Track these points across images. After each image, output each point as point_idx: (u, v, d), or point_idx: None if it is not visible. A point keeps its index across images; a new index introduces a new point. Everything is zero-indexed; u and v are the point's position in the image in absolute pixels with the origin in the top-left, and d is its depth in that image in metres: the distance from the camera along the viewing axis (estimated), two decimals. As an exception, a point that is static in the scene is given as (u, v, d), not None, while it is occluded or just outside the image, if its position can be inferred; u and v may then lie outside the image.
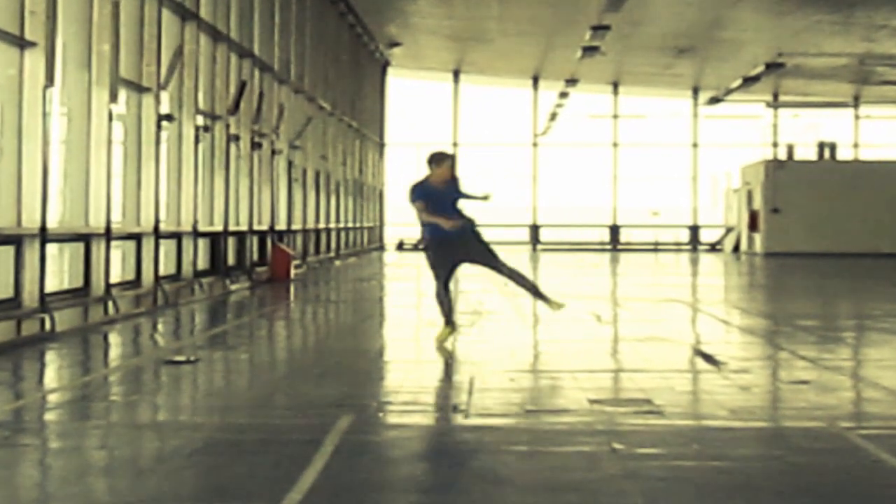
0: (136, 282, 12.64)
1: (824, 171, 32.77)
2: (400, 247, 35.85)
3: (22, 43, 9.54)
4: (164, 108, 13.32)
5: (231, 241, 16.67)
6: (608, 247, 37.49)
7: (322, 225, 24.60)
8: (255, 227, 17.92)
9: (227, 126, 16.19)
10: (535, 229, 37.96)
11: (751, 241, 33.16)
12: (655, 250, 36.72)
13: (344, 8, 27.29)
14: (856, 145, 38.47)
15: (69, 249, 11.11)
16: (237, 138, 16.71)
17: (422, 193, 9.03)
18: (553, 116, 35.89)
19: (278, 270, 18.13)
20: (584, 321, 11.25)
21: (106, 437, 5.57)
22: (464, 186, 9.29)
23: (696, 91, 38.12)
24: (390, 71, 37.60)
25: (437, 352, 8.72)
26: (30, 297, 9.57)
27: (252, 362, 8.73)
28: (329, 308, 14.58)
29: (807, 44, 27.80)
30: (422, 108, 38.71)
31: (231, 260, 16.69)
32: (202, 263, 15.23)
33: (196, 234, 14.59)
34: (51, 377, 7.84)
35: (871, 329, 11.70)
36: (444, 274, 9.13)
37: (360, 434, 5.48)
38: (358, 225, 30.76)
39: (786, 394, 7.08)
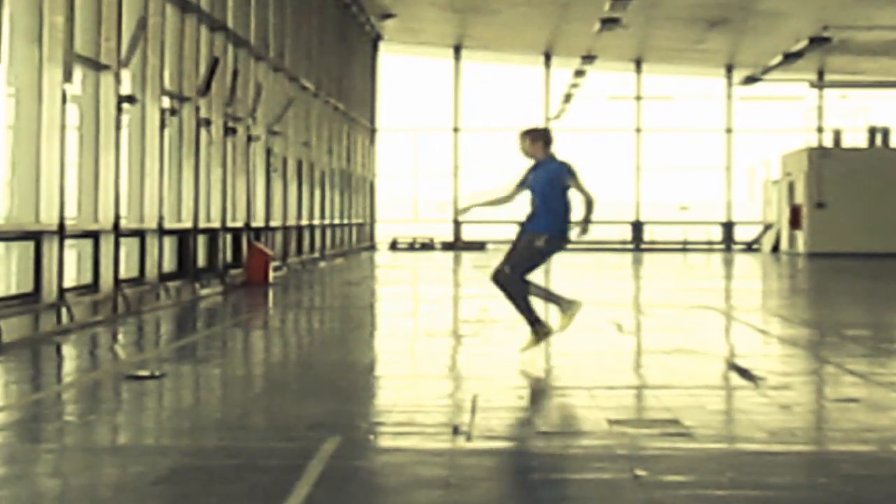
0: (94, 286, 12.63)
1: (875, 160, 32.78)
2: (394, 246, 35.88)
3: (-37, 14, 9.54)
4: (126, 89, 13.31)
5: (201, 240, 16.67)
6: (630, 246, 37.53)
7: (305, 221, 24.62)
8: (229, 224, 17.93)
9: (197, 109, 16.19)
10: (546, 226, 37.93)
11: (792, 239, 33.18)
12: (684, 250, 36.75)
13: (330, -26, 27.37)
14: (911, 130, 38.49)
15: (17, 249, 11.11)
16: (208, 123, 16.72)
17: (525, 177, 9.11)
18: (568, 98, 35.92)
19: (255, 273, 18.15)
20: (604, 331, 11.25)
21: (59, 463, 5.57)
22: (558, 174, 9.32)
23: (730, 69, 38.16)
24: (382, 46, 37.64)
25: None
26: (-28, 303, 9.58)
27: (225, 378, 8.74)
28: (313, 316, 14.58)
29: (856, 15, 27.81)
30: (418, 89, 38.74)
31: (201, 261, 16.70)
32: (168, 265, 15.23)
33: (161, 231, 14.60)
34: (-4, 394, 7.84)
35: (929, 340, 11.71)
36: (531, 271, 9.07)
37: (347, 459, 5.48)
38: (346, 221, 30.79)
39: (832, 413, 7.08)
